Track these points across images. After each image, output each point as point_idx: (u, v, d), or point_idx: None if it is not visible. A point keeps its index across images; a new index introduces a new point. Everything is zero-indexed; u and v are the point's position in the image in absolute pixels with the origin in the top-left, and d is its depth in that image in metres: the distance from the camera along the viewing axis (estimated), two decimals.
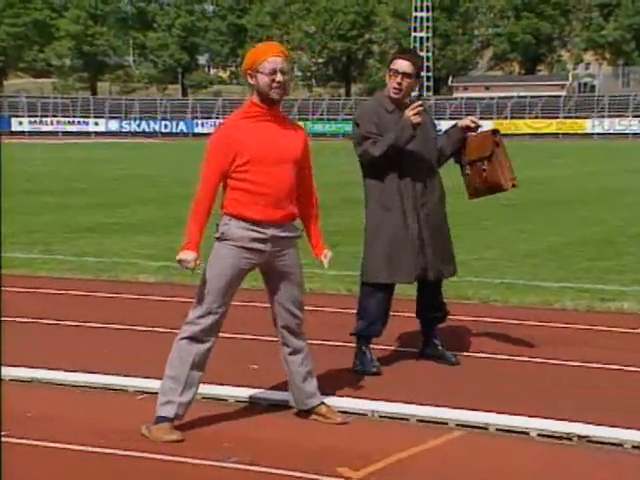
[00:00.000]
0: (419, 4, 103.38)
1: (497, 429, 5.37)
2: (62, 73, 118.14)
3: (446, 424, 5.46)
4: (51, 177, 28.37)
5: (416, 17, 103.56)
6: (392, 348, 7.21)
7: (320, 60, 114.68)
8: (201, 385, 5.36)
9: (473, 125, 6.68)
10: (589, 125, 78.71)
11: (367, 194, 6.52)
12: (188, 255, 5.14)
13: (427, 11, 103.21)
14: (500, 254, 12.37)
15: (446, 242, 6.63)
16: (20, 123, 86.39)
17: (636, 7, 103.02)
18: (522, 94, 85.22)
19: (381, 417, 5.61)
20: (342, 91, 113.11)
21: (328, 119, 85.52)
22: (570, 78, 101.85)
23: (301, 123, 75.13)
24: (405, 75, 6.37)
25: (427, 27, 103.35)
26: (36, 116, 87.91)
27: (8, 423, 5.04)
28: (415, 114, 6.22)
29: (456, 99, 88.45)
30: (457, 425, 5.44)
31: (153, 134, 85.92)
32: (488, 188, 6.70)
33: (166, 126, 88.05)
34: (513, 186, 6.65)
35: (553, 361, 6.89)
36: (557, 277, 10.46)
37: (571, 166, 35.40)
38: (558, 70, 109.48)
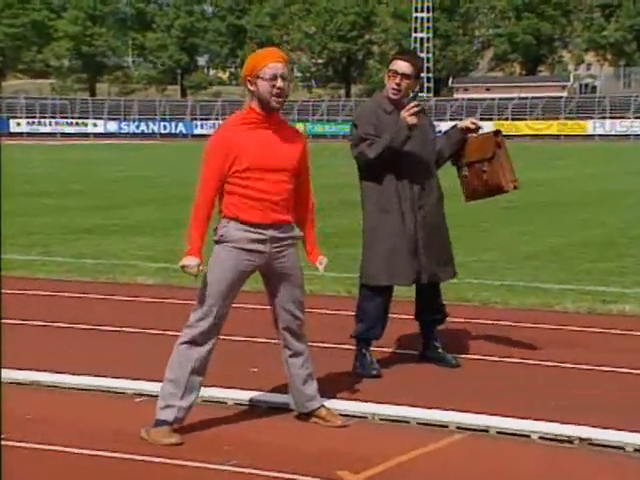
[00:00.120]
0: (419, 5, 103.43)
1: (498, 432, 5.35)
2: (61, 74, 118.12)
3: (447, 427, 5.44)
4: (49, 179, 28.36)
5: (416, 18, 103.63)
6: (392, 350, 7.19)
7: (320, 61, 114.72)
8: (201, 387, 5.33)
9: (473, 126, 6.64)
10: (590, 126, 78.71)
11: (364, 196, 6.49)
12: (191, 261, 5.12)
13: (427, 12, 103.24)
14: (500, 256, 12.35)
15: (444, 244, 6.60)
16: (18, 124, 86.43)
17: (637, 8, 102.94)
18: (523, 95, 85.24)
19: (381, 420, 5.59)
20: (342, 92, 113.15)
21: (328, 120, 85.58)
22: (571, 79, 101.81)
23: (301, 124, 75.72)
24: (404, 76, 6.34)
25: (427, 28, 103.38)
26: (34, 117, 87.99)
27: (7, 426, 5.03)
28: (411, 115, 6.20)
29: (456, 100, 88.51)
30: (458, 428, 5.41)
31: (152, 135, 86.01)
32: (488, 190, 6.65)
33: (165, 127, 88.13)
34: (514, 188, 6.60)
35: (554, 363, 6.87)
36: (558, 279, 10.44)
37: (572, 167, 35.40)
38: (559, 71, 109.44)
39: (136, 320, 8.31)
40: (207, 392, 5.71)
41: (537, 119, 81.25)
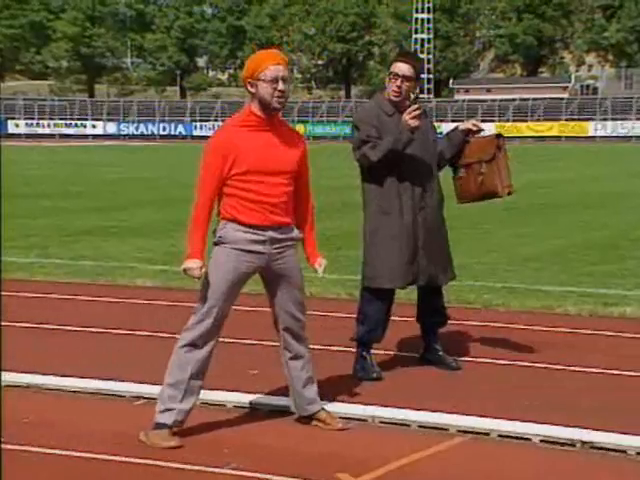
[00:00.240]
0: (420, 5, 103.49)
1: (499, 435, 5.33)
2: (59, 75, 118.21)
3: (447, 430, 5.42)
4: (48, 180, 28.34)
5: (417, 19, 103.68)
6: (393, 353, 7.17)
7: (320, 62, 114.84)
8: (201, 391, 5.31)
9: (475, 128, 6.63)
10: (591, 128, 78.64)
11: (366, 198, 6.48)
12: (193, 263, 5.11)
13: (428, 12, 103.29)
14: (501, 258, 12.33)
15: (443, 247, 6.58)
16: (17, 125, 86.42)
17: (639, 8, 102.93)
18: (524, 96, 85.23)
19: (382, 423, 5.57)
20: (342, 93, 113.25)
21: (328, 121, 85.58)
22: (572, 80, 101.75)
23: (301, 125, 75.74)
24: (405, 78, 6.34)
25: (428, 29, 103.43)
26: (33, 118, 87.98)
27: (6, 429, 5.00)
28: (412, 118, 6.19)
29: (457, 101, 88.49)
30: (458, 431, 5.40)
31: (151, 136, 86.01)
32: (482, 193, 6.62)
33: (164, 128, 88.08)
34: (509, 194, 6.60)
35: (556, 366, 6.84)
36: (559, 281, 10.42)
37: (573, 169, 35.38)
38: (560, 72, 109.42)
39: (135, 323, 8.29)
40: (207, 395, 5.68)
41: (538, 120, 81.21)
